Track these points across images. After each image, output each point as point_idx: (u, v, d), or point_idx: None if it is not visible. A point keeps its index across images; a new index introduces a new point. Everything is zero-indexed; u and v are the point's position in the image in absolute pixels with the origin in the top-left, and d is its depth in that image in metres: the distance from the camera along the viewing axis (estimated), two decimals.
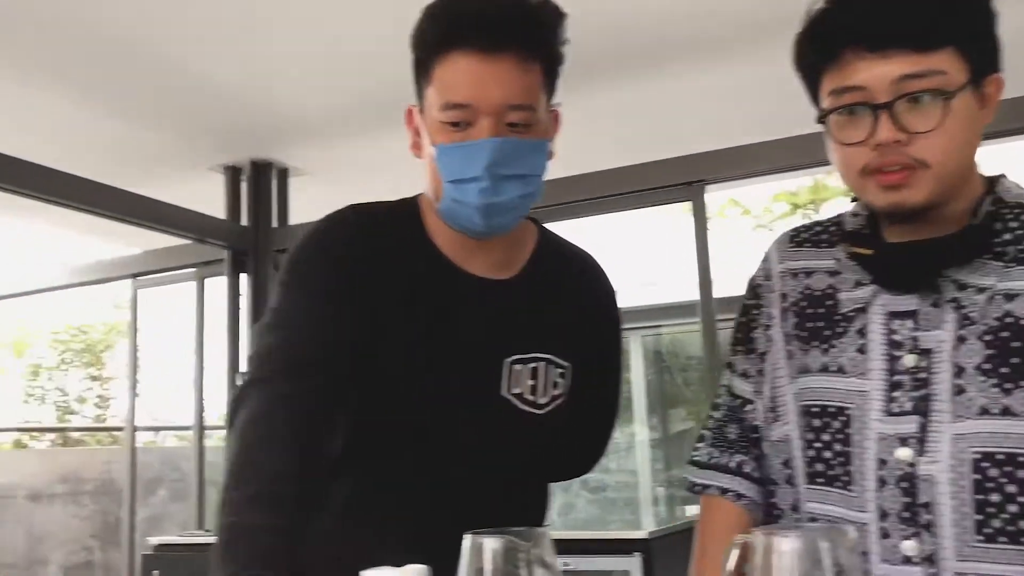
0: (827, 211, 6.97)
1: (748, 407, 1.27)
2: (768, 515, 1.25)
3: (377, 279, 1.24)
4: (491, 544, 0.91)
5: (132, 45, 2.90)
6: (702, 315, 3.13)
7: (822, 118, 1.15)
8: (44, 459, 5.65)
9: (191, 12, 2.72)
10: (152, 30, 2.82)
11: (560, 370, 1.32)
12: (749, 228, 7.29)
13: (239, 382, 3.52)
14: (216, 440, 4.62)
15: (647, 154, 3.22)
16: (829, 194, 6.81)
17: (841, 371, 1.13)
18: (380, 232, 1.27)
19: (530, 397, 1.29)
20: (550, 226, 1.42)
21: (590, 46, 2.97)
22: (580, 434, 1.43)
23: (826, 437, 1.14)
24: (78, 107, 3.34)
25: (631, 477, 6.78)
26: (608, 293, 1.45)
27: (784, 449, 1.20)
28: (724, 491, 1.25)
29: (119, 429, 6.02)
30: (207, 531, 3.44)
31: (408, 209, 1.31)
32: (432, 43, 1.19)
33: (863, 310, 1.14)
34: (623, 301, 1.48)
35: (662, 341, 7.68)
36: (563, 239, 1.43)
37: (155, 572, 3.12)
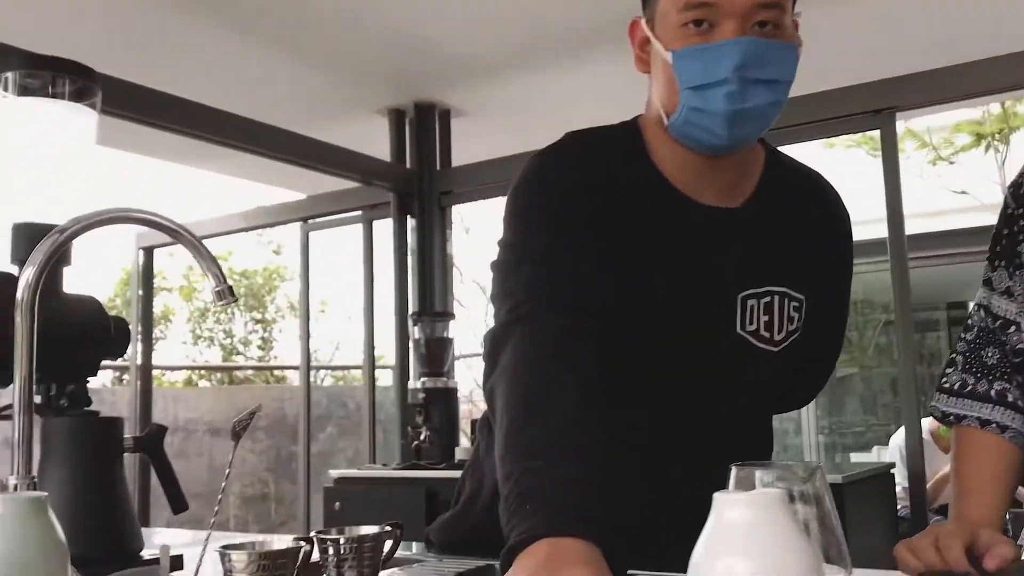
0: (1017, 142, 6.51)
1: (1011, 329, 1.15)
2: None
3: (603, 211, 1.16)
4: (762, 476, 0.86)
5: None
6: (892, 255, 2.94)
7: None
8: (220, 396, 5.95)
9: None
10: None
11: (795, 303, 1.22)
12: (925, 162, 6.86)
13: (413, 321, 3.46)
14: (383, 380, 4.75)
15: (833, 81, 3.03)
16: (1019, 122, 6.30)
17: None
18: (602, 160, 1.20)
19: (765, 334, 1.20)
20: None
21: None
22: (809, 367, 1.35)
23: None
24: (247, 52, 3.42)
25: (791, 424, 6.61)
26: (842, 218, 1.32)
27: None
28: (984, 422, 1.15)
29: (294, 368, 6.26)
30: (383, 465, 3.53)
31: (629, 133, 1.23)
32: None
33: None
34: None
35: None
36: (792, 159, 1.31)
37: (337, 503, 3.23)
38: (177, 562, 1.11)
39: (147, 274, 4.46)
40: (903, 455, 5.15)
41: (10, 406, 1.27)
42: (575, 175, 1.18)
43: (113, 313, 1.39)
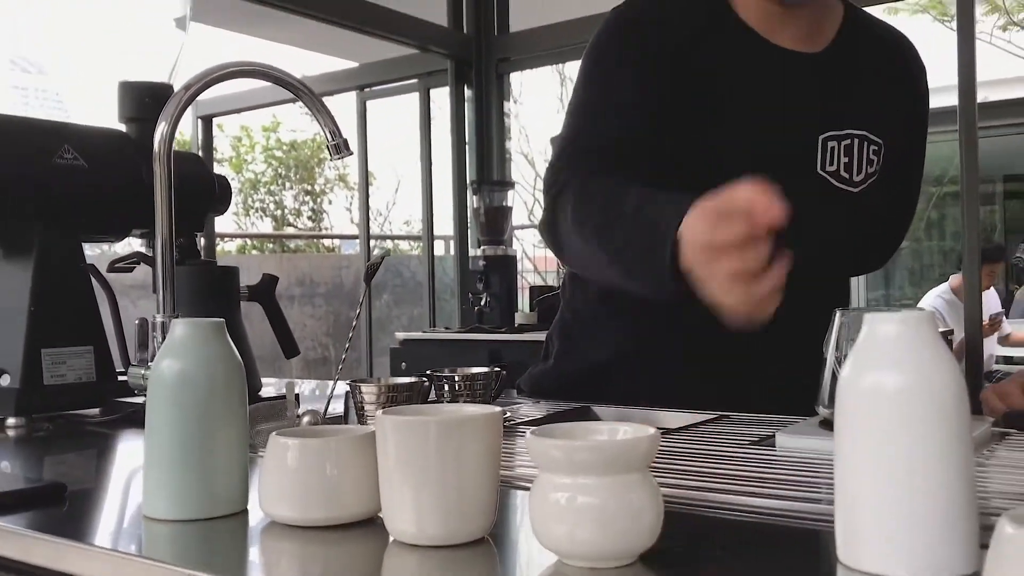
0: None
1: None
2: None
3: (685, 55, 1.20)
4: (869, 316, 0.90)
5: None
6: (962, 125, 2.88)
7: None
8: (281, 263, 6.09)
9: None
10: None
11: (874, 147, 1.27)
12: (994, 26, 6.59)
13: (472, 190, 3.48)
14: (440, 250, 4.82)
15: None
16: None
17: None
18: (679, 15, 1.23)
19: (845, 175, 1.24)
20: None
21: None
22: (887, 219, 1.38)
23: None
24: None
25: None
26: (920, 69, 1.36)
27: None
28: None
29: (349, 237, 6.36)
30: (447, 328, 3.64)
31: None
32: None
33: None
34: None
35: None
36: (871, 15, 1.35)
37: (403, 363, 3.35)
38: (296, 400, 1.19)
39: (207, 143, 4.52)
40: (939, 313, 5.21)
41: (126, 258, 1.35)
42: (655, 21, 1.22)
43: None
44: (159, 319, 0.98)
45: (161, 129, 1.00)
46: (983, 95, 4.80)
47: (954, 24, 2.98)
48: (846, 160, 1.24)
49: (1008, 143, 6.39)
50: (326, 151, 1.06)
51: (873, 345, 0.53)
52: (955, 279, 5.38)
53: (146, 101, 1.33)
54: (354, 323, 0.99)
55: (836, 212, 1.25)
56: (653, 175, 1.15)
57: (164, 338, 1.02)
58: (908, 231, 1.42)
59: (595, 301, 1.33)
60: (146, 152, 1.19)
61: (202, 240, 1.66)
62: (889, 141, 1.28)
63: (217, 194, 1.42)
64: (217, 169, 9.82)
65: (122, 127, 1.38)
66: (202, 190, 1.39)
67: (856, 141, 1.25)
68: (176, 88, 1.38)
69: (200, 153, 4.48)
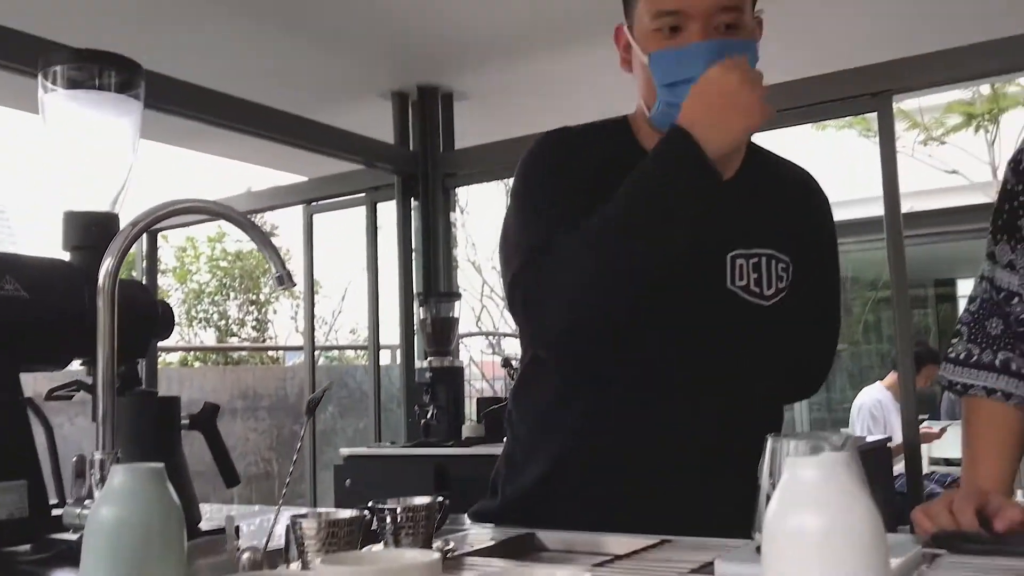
0: (1006, 122, 6.59)
1: (1014, 300, 1.22)
2: None
3: (595, 179, 1.29)
4: (797, 446, 0.93)
5: None
6: (888, 234, 3.01)
7: None
8: (224, 376, 6.00)
9: None
10: None
11: (782, 264, 1.33)
12: (915, 141, 6.94)
13: (419, 302, 3.49)
14: (385, 359, 4.81)
15: (832, 65, 3.09)
16: (1008, 103, 6.39)
17: None
18: (596, 141, 1.35)
19: (755, 289, 1.30)
20: None
21: None
22: (806, 344, 1.43)
23: None
24: (252, 35, 3.45)
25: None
26: (822, 199, 1.45)
27: None
28: (990, 391, 1.22)
29: (293, 348, 6.31)
30: (392, 443, 3.60)
31: (619, 124, 1.38)
32: None
33: None
34: None
35: None
36: (774, 152, 1.45)
37: (347, 480, 3.30)
38: (236, 533, 1.17)
39: (152, 254, 4.50)
40: (863, 416, 5.32)
41: (65, 386, 1.34)
42: (574, 146, 1.34)
43: None
44: (97, 456, 0.97)
45: (107, 264, 1.01)
46: (910, 205, 5.00)
47: (878, 139, 3.15)
48: (755, 276, 1.31)
49: (937, 250, 6.64)
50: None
51: (795, 487, 0.56)
52: (889, 378, 5.53)
53: (92, 230, 1.34)
54: (295, 457, 0.99)
55: (748, 327, 1.31)
56: None
57: (101, 476, 1.01)
58: (834, 352, 1.46)
59: (537, 427, 1.35)
60: (90, 281, 1.19)
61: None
62: (796, 259, 1.35)
63: (160, 321, 1.42)
64: (161, 280, 9.77)
65: (67, 255, 1.38)
66: (145, 318, 1.39)
67: (764, 259, 1.31)
68: (121, 216, 1.40)
69: (145, 264, 4.46)
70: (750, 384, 1.33)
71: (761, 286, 1.30)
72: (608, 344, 1.26)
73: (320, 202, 4.30)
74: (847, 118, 5.85)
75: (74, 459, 1.04)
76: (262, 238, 1.02)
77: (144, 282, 4.37)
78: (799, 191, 1.43)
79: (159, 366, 6.93)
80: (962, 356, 1.26)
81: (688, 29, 1.23)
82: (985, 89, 6.28)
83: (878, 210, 3.04)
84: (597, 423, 1.32)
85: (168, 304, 1.47)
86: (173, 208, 0.99)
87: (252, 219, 1.03)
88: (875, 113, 3.11)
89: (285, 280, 1.06)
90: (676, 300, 1.27)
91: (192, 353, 9.62)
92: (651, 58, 1.26)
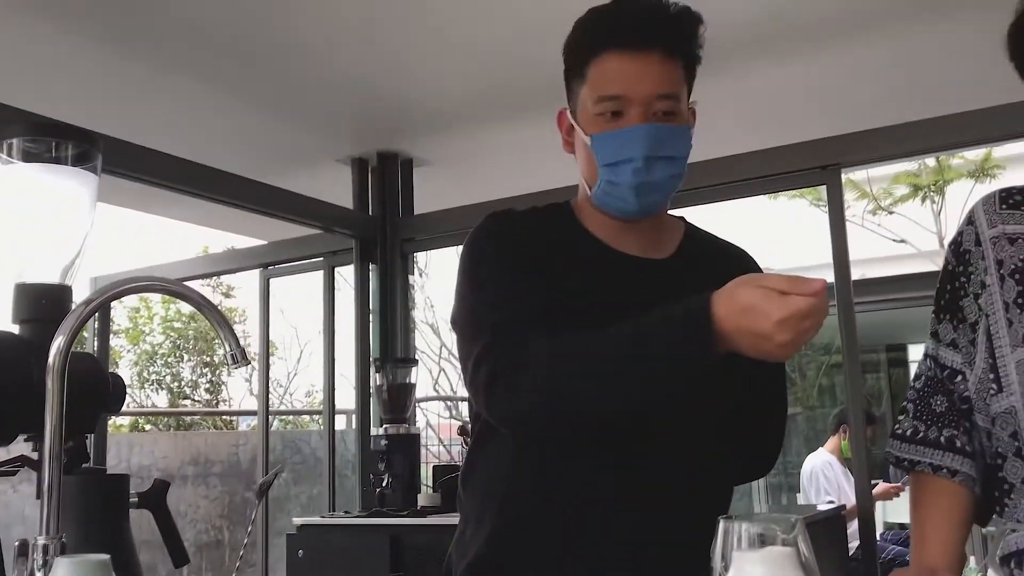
0: (951, 193, 6.79)
1: (958, 378, 1.25)
2: (992, 489, 1.24)
3: (540, 258, 1.34)
4: (748, 530, 0.93)
5: (265, 39, 2.99)
6: (839, 301, 3.08)
7: None
8: (175, 441, 5.88)
9: (326, 9, 2.79)
10: (286, 26, 2.90)
11: None
12: (864, 211, 7.11)
13: (375, 367, 3.48)
14: (341, 424, 4.75)
15: (780, 138, 3.18)
16: (952, 175, 6.60)
17: None
18: (539, 223, 1.40)
19: None
20: (684, 211, 1.51)
21: (724, 32, 2.97)
22: (752, 422, 1.44)
23: None
24: (212, 101, 3.46)
25: None
26: (757, 271, 1.49)
27: (1010, 421, 1.18)
28: (936, 468, 1.24)
29: (252, 413, 6.21)
30: (346, 512, 3.54)
31: (561, 207, 1.45)
32: (588, 46, 1.34)
33: None
34: None
35: None
36: (710, 233, 1.52)
37: (300, 551, 3.23)
38: None
39: (104, 315, 4.43)
40: (815, 480, 5.36)
41: (9, 462, 1.31)
42: (514, 229, 1.38)
43: None
44: (40, 541, 0.95)
45: (58, 343, 1.00)
46: (861, 272, 5.11)
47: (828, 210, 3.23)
48: None
49: (888, 316, 6.77)
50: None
51: None
52: (830, 442, 5.61)
53: (42, 303, 1.33)
54: (248, 529, 0.98)
55: (700, 391, 1.30)
56: None
57: (44, 562, 0.98)
58: (783, 433, 1.48)
59: (485, 504, 1.35)
60: (39, 355, 1.17)
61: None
62: None
63: (111, 395, 1.40)
64: (114, 341, 9.60)
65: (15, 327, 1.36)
66: (95, 392, 1.37)
67: None
68: (74, 285, 1.38)
69: (97, 326, 4.39)
70: (700, 460, 1.34)
71: None
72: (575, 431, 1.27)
73: (277, 266, 4.28)
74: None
75: (16, 543, 1.02)
76: (218, 317, 1.02)
77: (96, 348, 4.31)
78: (736, 268, 1.46)
79: (109, 431, 6.78)
80: (908, 433, 1.28)
81: (629, 114, 1.30)
82: (931, 161, 6.49)
83: (831, 276, 3.10)
84: (546, 497, 1.32)
85: (120, 377, 1.45)
86: (127, 287, 0.98)
87: (210, 302, 1.03)
88: (824, 186, 3.20)
89: (239, 359, 1.06)
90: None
91: (144, 417, 9.43)
92: (593, 139, 1.32)
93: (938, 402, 1.27)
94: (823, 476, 5.35)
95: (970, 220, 1.28)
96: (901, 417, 1.30)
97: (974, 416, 1.24)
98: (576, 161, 1.41)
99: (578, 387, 1.20)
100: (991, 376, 1.20)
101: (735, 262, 1.47)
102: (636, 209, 1.34)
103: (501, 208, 1.43)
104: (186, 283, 3.90)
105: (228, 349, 1.07)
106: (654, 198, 1.34)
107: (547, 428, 1.25)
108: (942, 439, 1.25)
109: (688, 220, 1.51)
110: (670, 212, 1.47)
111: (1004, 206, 1.25)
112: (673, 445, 1.31)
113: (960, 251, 1.28)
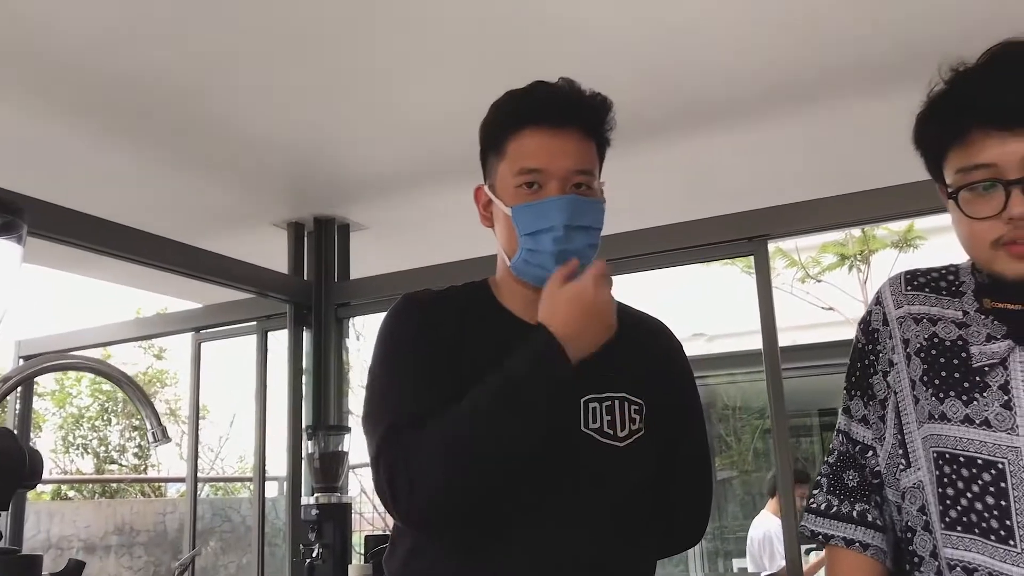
0: (876, 262, 7.01)
1: (869, 453, 1.29)
2: (903, 562, 1.27)
3: (457, 339, 1.39)
4: None
5: (200, 105, 2.99)
6: (767, 366, 3.14)
7: (951, 194, 1.19)
8: (98, 510, 5.69)
9: (259, 75, 2.81)
10: (219, 91, 2.91)
11: (635, 406, 1.41)
12: (793, 278, 7.30)
13: (307, 435, 3.44)
14: (273, 491, 4.65)
15: (709, 209, 3.27)
16: (877, 245, 6.82)
17: (987, 424, 1.15)
18: (455, 302, 1.45)
19: (608, 431, 1.37)
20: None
21: (650, 104, 3.06)
22: (678, 493, 1.47)
23: (975, 488, 1.15)
24: (144, 163, 3.44)
25: None
26: (676, 346, 1.57)
27: (918, 495, 1.22)
28: (849, 542, 1.27)
29: (181, 480, 6.04)
30: None
31: (478, 285, 1.50)
32: (507, 123, 1.43)
33: (1001, 365, 1.17)
34: None
35: (704, 391, 7.67)
36: (628, 305, 1.56)
37: None
38: None
39: (27, 387, 4.30)
40: (768, 544, 5.36)
41: None
42: (434, 309, 1.43)
43: None
44: None
45: None
46: (792, 338, 5.22)
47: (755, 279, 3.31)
48: (608, 418, 1.38)
49: (820, 381, 6.90)
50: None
51: None
52: (771, 503, 5.63)
53: None
54: None
55: (606, 468, 1.36)
56: None
57: None
58: (710, 502, 1.51)
59: None
60: None
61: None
62: (650, 402, 1.43)
63: (28, 470, 1.37)
64: (38, 404, 9.30)
65: None
66: (12, 468, 1.33)
67: (617, 402, 1.39)
68: None
69: (19, 391, 4.26)
70: (616, 531, 1.35)
71: (615, 427, 1.37)
72: (472, 513, 1.29)
73: (210, 329, 4.22)
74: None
75: None
76: (139, 395, 1.01)
77: (17, 413, 4.17)
78: (651, 339, 1.54)
79: (29, 499, 6.54)
80: (823, 507, 1.31)
81: (547, 187, 1.38)
82: (857, 231, 6.70)
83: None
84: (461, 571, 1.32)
85: (37, 452, 1.41)
86: (47, 365, 0.97)
87: (133, 380, 1.02)
88: (752, 256, 3.28)
89: (159, 437, 1.05)
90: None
91: (67, 484, 9.10)
92: (514, 210, 1.39)
93: (850, 477, 1.31)
94: (776, 540, 5.34)
95: (878, 300, 1.33)
96: (816, 491, 1.34)
97: (885, 491, 1.27)
98: (495, 235, 1.46)
99: (467, 442, 1.23)
100: (900, 452, 1.25)
101: (649, 335, 1.53)
102: None
103: (419, 289, 1.48)
104: (117, 344, 3.83)
105: (149, 427, 1.06)
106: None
107: (450, 509, 1.26)
108: (854, 513, 1.28)
109: None
110: None
111: (908, 287, 1.31)
112: (585, 520, 1.33)
113: (869, 330, 1.33)
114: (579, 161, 1.39)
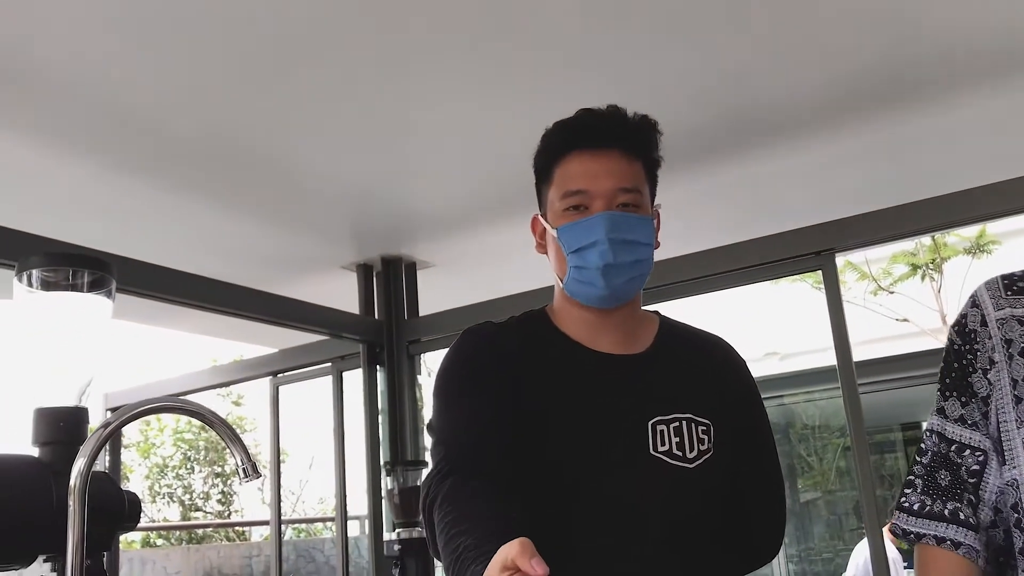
0: (949, 270, 6.85)
1: (965, 452, 1.28)
2: (996, 561, 1.26)
3: (519, 371, 1.40)
4: None
5: (265, 155, 3.09)
6: (842, 382, 3.09)
7: None
8: (188, 556, 5.82)
9: (325, 124, 2.90)
10: (285, 139, 3.00)
11: (702, 427, 1.41)
12: (865, 291, 7.17)
13: (386, 471, 3.49)
14: (355, 530, 4.71)
15: (776, 226, 3.26)
16: (949, 252, 6.68)
17: None
18: (515, 333, 1.47)
19: (678, 453, 1.37)
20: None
21: (716, 123, 3.07)
22: (752, 509, 1.47)
23: None
24: (219, 215, 3.55)
25: None
26: (739, 362, 1.56)
27: (1012, 493, 1.21)
28: (940, 540, 1.26)
29: (265, 523, 6.15)
30: None
31: (536, 314, 1.52)
32: (553, 150, 1.46)
33: None
34: None
35: (781, 411, 7.55)
36: (687, 324, 1.57)
37: None
38: None
39: (115, 437, 4.46)
40: (866, 572, 5.22)
41: None
42: (487, 344, 1.44)
43: None
44: None
45: (79, 466, 1.04)
46: (867, 353, 5.12)
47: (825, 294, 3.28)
48: (677, 440, 1.38)
49: (900, 395, 6.75)
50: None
51: None
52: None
53: (60, 426, 1.37)
54: None
55: (677, 490, 1.36)
56: (515, 471, 1.30)
57: None
58: (784, 520, 1.51)
59: None
60: (58, 476, 1.21)
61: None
62: (717, 421, 1.43)
63: (127, 512, 1.43)
64: (124, 455, 9.57)
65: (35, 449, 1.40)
66: (112, 510, 1.40)
67: (684, 423, 1.40)
68: (91, 411, 1.42)
69: (109, 444, 4.40)
70: (690, 551, 1.36)
71: (684, 449, 1.38)
72: None
73: (286, 373, 4.33)
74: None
75: None
76: (229, 433, 1.06)
77: (107, 464, 4.32)
78: (714, 356, 1.54)
79: (121, 547, 6.72)
80: (915, 506, 1.31)
81: (592, 207, 1.39)
82: (927, 239, 6.57)
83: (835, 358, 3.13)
84: None
85: (135, 494, 1.48)
86: (142, 409, 1.03)
87: (224, 420, 1.07)
88: (820, 271, 3.26)
89: (250, 473, 1.10)
90: (603, 471, 1.34)
91: (155, 532, 9.33)
92: (560, 231, 1.41)
93: (943, 476, 1.30)
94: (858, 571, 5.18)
95: (974, 303, 1.33)
96: (908, 491, 1.33)
97: (980, 490, 1.27)
98: (549, 261, 1.49)
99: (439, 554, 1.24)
100: (998, 448, 1.25)
101: (712, 351, 1.53)
102: (605, 292, 1.40)
103: (480, 322, 1.50)
104: (195, 394, 3.95)
105: (239, 463, 1.11)
106: (620, 280, 1.40)
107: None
108: (946, 512, 1.28)
109: (663, 314, 1.57)
110: (644, 307, 1.53)
111: (1009, 292, 1.31)
112: (658, 542, 1.33)
113: (966, 331, 1.33)
114: (622, 179, 1.41)
